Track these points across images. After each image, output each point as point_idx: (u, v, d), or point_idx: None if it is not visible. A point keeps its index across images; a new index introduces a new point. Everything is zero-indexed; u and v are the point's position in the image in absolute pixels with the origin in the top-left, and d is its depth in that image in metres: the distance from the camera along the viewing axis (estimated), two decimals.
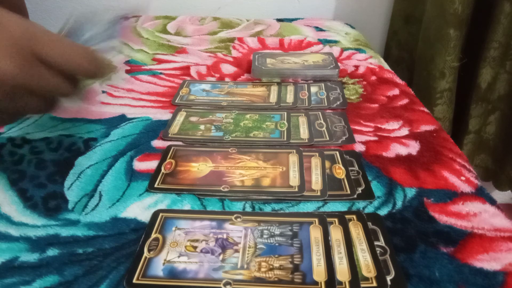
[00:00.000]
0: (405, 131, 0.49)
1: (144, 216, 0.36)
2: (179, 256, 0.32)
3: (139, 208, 0.37)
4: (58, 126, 0.49)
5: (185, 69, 0.67)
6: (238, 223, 0.35)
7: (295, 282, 0.29)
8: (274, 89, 0.59)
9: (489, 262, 0.31)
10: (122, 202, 0.38)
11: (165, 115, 0.52)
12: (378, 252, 0.32)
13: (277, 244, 0.33)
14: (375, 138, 0.48)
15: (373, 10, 1.04)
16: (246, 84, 0.61)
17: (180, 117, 0.51)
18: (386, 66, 0.69)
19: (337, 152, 0.44)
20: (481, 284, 0.30)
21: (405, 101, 0.57)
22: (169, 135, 0.47)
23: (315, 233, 0.33)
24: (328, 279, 0.29)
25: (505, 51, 0.83)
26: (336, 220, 0.35)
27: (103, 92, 0.58)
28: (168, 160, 0.43)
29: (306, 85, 0.60)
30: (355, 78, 0.64)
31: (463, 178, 0.41)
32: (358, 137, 0.48)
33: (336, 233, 0.34)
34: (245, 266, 0.31)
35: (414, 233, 0.34)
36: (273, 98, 0.57)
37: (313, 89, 0.59)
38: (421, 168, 0.42)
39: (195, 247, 0.32)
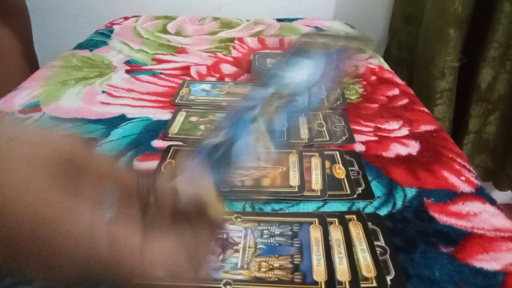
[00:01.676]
0: (405, 131, 0.49)
1: None
2: None
3: None
4: (58, 126, 0.49)
5: (185, 69, 0.67)
6: (238, 223, 0.35)
7: (295, 282, 0.29)
8: None
9: (489, 262, 0.31)
10: None
11: (165, 115, 0.52)
12: (378, 252, 0.32)
13: (277, 244, 0.33)
14: (375, 138, 0.48)
15: (373, 10, 1.04)
16: (246, 84, 0.61)
17: (180, 117, 0.51)
18: (386, 66, 0.69)
19: (337, 152, 0.44)
20: (481, 284, 0.30)
21: (405, 101, 0.57)
22: (169, 135, 0.47)
23: (315, 233, 0.33)
24: (328, 279, 0.29)
25: (505, 51, 0.83)
26: (336, 220, 0.35)
27: (103, 92, 0.58)
28: (168, 160, 0.43)
29: None
30: (355, 78, 0.64)
31: (463, 178, 0.41)
32: (358, 137, 0.48)
33: (336, 233, 0.34)
34: (245, 266, 0.31)
35: (414, 233, 0.34)
36: None
37: (313, 89, 0.59)
38: (421, 168, 0.42)
39: None
